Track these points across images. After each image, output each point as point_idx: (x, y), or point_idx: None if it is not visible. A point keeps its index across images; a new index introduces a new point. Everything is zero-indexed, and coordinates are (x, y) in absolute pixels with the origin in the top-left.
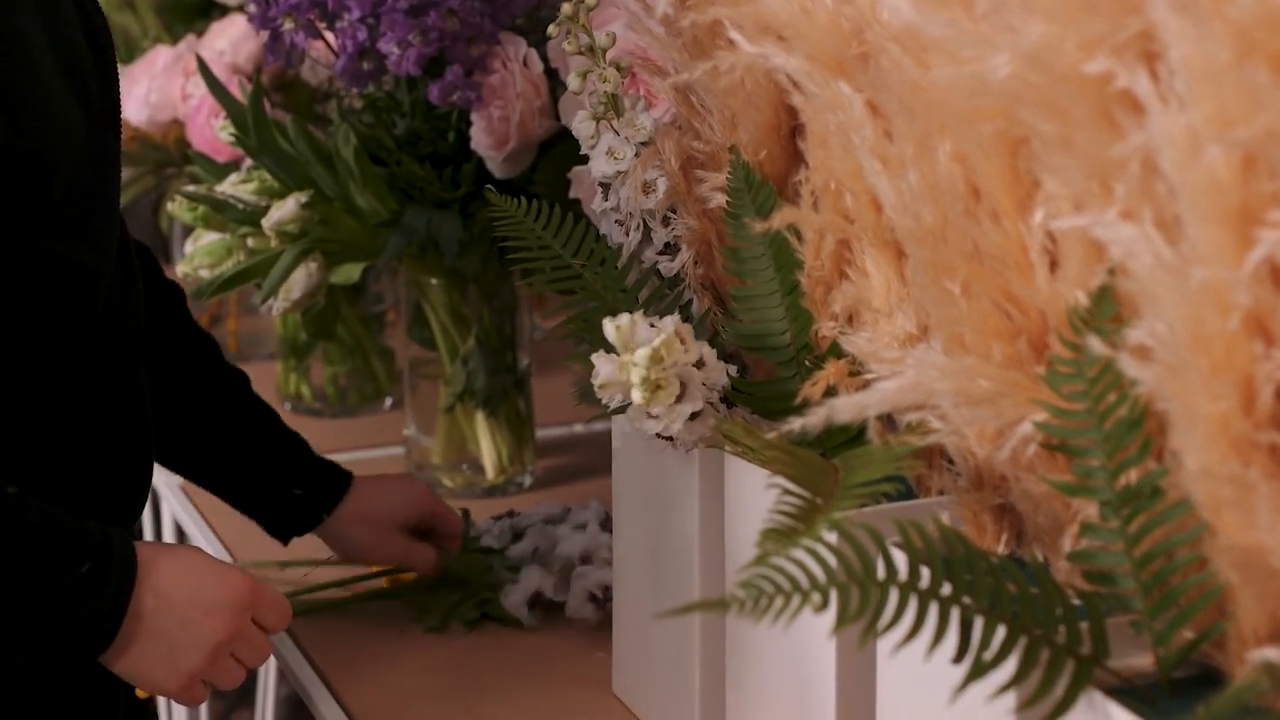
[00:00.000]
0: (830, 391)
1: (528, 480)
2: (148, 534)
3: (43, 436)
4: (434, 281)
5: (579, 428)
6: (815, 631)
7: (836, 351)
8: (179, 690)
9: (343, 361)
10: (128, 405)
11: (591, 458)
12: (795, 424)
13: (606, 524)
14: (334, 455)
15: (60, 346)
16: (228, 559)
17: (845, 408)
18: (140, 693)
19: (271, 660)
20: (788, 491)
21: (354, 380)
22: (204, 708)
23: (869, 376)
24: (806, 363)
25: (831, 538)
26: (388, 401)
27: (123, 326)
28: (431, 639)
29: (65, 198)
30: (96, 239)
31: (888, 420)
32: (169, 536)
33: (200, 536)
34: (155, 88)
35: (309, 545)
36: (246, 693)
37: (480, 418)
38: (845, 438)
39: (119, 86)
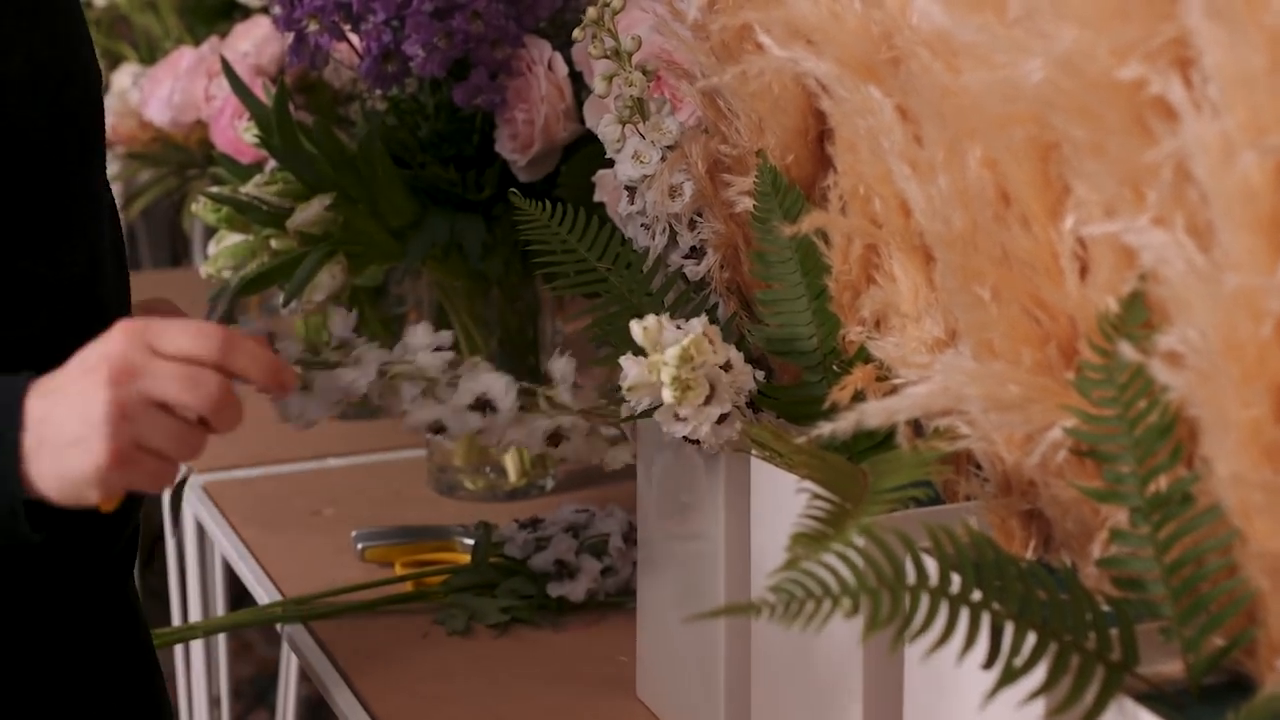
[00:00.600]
0: (858, 396)
1: (550, 483)
2: (167, 534)
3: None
4: (457, 284)
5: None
6: (842, 636)
7: (864, 356)
8: (113, 464)
9: None
10: None
11: None
12: (824, 428)
13: (630, 535)
14: (355, 457)
15: (50, 356)
16: (252, 561)
17: (875, 412)
18: (105, 505)
19: (293, 660)
20: (817, 496)
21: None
22: (224, 707)
23: (897, 381)
24: (834, 367)
25: (861, 542)
26: None
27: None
28: (455, 642)
29: (42, 209)
30: (77, 248)
31: (915, 425)
32: (190, 537)
33: (222, 537)
34: (178, 89)
35: (343, 564)
36: (265, 693)
37: None
38: (872, 443)
39: (98, 88)
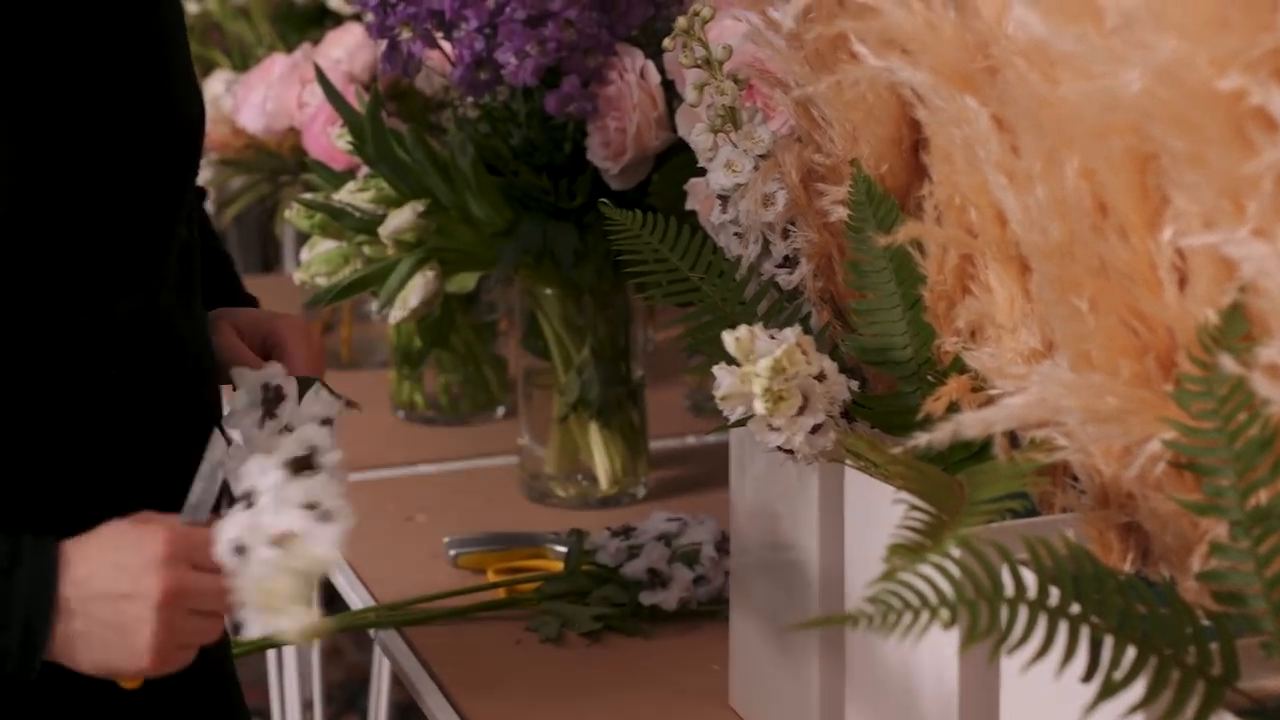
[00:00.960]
0: (953, 407)
1: (641, 492)
2: None
3: (88, 471)
4: (549, 291)
5: (691, 440)
6: (938, 648)
7: (959, 367)
8: (155, 667)
9: (456, 370)
10: (190, 436)
11: (704, 470)
12: (920, 439)
13: (722, 544)
14: (447, 463)
15: (121, 393)
16: (345, 566)
17: (972, 423)
18: (128, 684)
19: (385, 666)
20: (913, 506)
21: (467, 389)
22: (316, 711)
23: (993, 392)
24: (929, 378)
25: (958, 554)
26: (500, 410)
27: (177, 355)
28: (548, 649)
29: (115, 253)
30: (142, 286)
31: (1011, 437)
32: None
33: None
34: (271, 95)
35: (436, 570)
36: (355, 699)
37: (594, 428)
38: (968, 454)
39: (198, 119)
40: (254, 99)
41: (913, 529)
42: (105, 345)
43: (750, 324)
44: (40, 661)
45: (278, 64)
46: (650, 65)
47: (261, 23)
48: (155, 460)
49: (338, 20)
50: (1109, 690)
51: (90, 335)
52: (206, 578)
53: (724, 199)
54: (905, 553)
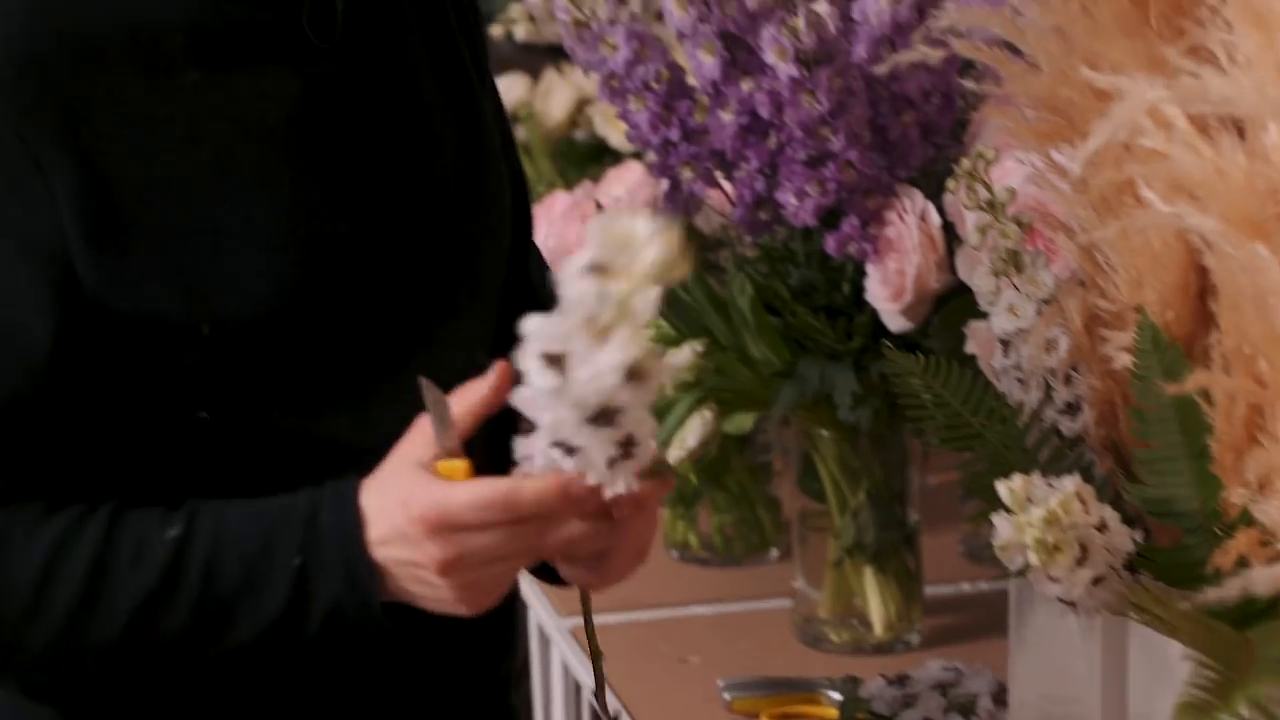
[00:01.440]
0: (1241, 561)
1: (916, 639)
2: (535, 679)
3: None
4: (825, 433)
5: (966, 586)
6: None
7: (1247, 520)
8: (471, 612)
9: (730, 510)
10: None
11: (979, 618)
12: (1209, 594)
13: (999, 695)
14: (720, 605)
15: None
16: (626, 715)
17: (1262, 579)
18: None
19: None
20: (1202, 664)
21: (740, 530)
22: None
23: None
24: (1215, 530)
25: (1250, 714)
26: (773, 553)
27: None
28: None
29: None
30: (376, 421)
31: None
32: (557, 682)
33: (590, 683)
34: (553, 233)
35: (710, 713)
36: None
37: (869, 573)
38: (1256, 610)
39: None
40: (536, 236)
41: (1201, 687)
42: (288, 463)
43: (1030, 471)
44: (380, 601)
45: (559, 201)
46: (930, 207)
47: (542, 159)
48: None
49: (617, 158)
50: None
51: (273, 451)
52: (475, 538)
53: (1005, 343)
54: (1194, 711)
